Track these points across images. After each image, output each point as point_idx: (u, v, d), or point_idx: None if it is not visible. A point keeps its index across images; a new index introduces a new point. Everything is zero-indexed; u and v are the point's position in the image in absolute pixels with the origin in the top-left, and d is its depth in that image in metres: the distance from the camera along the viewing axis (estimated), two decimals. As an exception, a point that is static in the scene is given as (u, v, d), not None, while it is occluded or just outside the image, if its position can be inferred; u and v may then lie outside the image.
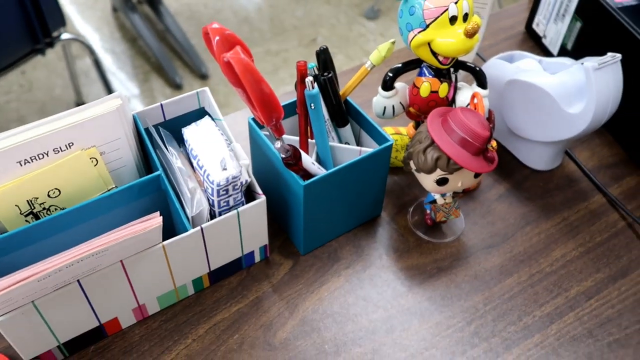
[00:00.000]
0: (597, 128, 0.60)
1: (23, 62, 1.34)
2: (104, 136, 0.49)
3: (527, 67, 0.64)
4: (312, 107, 0.52)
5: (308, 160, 0.51)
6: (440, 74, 0.60)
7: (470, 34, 0.54)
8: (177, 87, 1.87)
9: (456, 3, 0.54)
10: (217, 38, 0.45)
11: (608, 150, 0.70)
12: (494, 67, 0.66)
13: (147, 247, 0.46)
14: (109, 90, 1.60)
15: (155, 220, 0.42)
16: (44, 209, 0.48)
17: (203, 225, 0.49)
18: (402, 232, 0.61)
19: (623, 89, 0.59)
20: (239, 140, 0.55)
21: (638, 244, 0.61)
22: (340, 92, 0.57)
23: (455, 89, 0.61)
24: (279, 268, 0.58)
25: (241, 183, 0.50)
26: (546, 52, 0.82)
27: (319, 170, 0.52)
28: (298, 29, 2.16)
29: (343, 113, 0.56)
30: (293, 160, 0.49)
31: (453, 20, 0.54)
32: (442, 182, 0.54)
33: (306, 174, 0.52)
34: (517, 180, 0.67)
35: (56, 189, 0.48)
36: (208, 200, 0.50)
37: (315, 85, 0.51)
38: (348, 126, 0.57)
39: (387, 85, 0.60)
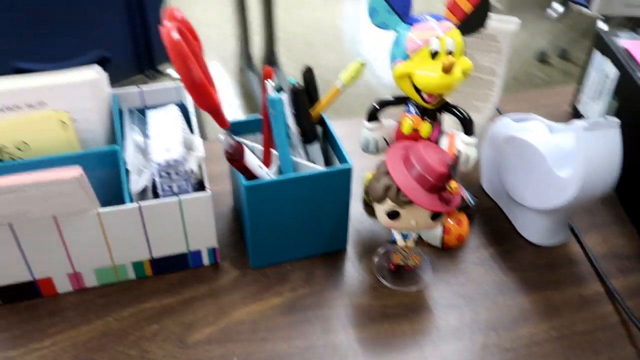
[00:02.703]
0: (593, 198, 0.54)
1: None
2: (76, 104, 0.53)
3: (532, 127, 0.60)
4: (272, 114, 0.52)
5: (254, 162, 0.51)
6: (426, 113, 0.58)
7: (446, 69, 0.52)
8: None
9: (438, 38, 0.53)
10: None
11: (624, 241, 0.62)
12: (501, 124, 0.63)
13: (78, 206, 0.48)
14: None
15: (74, 171, 0.44)
16: (10, 158, 0.52)
17: (142, 203, 0.51)
18: (362, 272, 0.58)
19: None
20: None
21: (624, 344, 0.52)
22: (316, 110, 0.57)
23: (441, 131, 0.58)
24: (224, 276, 0.57)
25: (186, 171, 0.51)
26: (587, 134, 0.76)
27: (266, 175, 0.52)
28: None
29: (311, 130, 0.56)
30: (235, 155, 0.49)
31: (435, 55, 0.53)
32: (393, 215, 0.51)
33: (254, 177, 0.52)
34: (507, 248, 0.61)
35: (25, 142, 0.52)
36: (154, 181, 0.52)
37: (275, 91, 0.52)
38: (317, 145, 0.57)
39: (370, 116, 0.60)
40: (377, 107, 0.59)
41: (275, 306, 0.54)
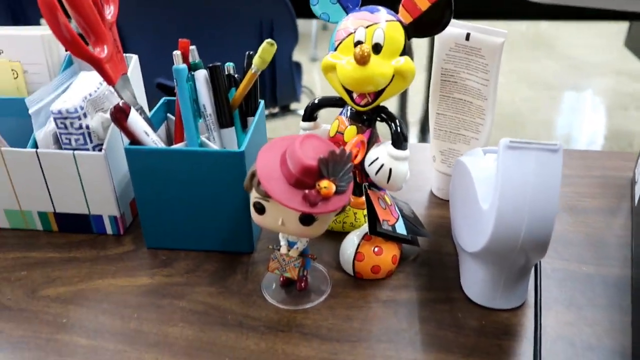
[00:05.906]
0: (516, 242, 0.40)
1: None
2: (28, 57, 0.57)
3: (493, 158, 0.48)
4: (176, 83, 0.50)
5: (140, 127, 0.49)
6: (359, 118, 0.51)
7: (356, 59, 0.45)
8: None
9: (366, 27, 0.47)
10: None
11: (602, 330, 0.45)
12: (468, 153, 0.52)
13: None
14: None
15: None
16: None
17: (39, 150, 0.52)
18: (252, 277, 0.51)
19: None
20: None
21: None
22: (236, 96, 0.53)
23: (371, 139, 0.50)
24: (117, 247, 0.55)
25: (83, 126, 0.51)
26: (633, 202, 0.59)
27: (151, 143, 0.50)
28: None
29: (225, 113, 0.52)
30: (118, 115, 0.48)
31: (358, 45, 0.47)
32: (259, 209, 0.44)
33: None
34: (436, 298, 0.49)
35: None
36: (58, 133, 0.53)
37: (181, 61, 0.50)
38: (231, 129, 0.53)
39: (306, 115, 0.54)
40: (314, 106, 0.54)
41: (140, 286, 0.50)
